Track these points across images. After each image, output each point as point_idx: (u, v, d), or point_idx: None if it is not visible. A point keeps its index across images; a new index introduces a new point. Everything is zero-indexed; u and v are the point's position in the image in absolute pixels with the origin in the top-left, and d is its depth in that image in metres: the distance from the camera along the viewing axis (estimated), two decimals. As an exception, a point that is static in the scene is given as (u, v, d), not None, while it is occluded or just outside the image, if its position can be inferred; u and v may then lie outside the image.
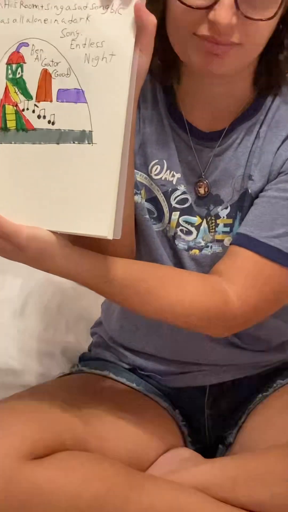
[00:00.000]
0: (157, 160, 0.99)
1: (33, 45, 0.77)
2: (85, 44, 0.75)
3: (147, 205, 0.99)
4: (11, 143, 0.79)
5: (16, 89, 0.79)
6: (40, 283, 1.43)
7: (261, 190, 0.95)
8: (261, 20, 0.82)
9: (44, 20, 0.77)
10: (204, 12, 0.81)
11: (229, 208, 0.97)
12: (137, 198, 0.98)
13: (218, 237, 0.99)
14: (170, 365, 1.09)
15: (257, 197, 0.95)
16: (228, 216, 0.98)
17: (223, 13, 0.79)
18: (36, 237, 0.78)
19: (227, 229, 0.98)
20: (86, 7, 0.75)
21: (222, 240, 0.98)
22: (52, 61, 0.77)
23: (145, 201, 0.99)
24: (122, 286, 0.86)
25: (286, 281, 0.92)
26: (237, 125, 0.96)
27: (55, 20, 0.77)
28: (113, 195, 0.76)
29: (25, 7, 0.78)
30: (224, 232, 0.98)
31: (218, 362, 1.07)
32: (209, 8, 0.80)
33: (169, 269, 0.97)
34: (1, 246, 0.79)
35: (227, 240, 0.98)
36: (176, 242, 1.00)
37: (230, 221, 0.98)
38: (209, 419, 1.11)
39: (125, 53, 0.75)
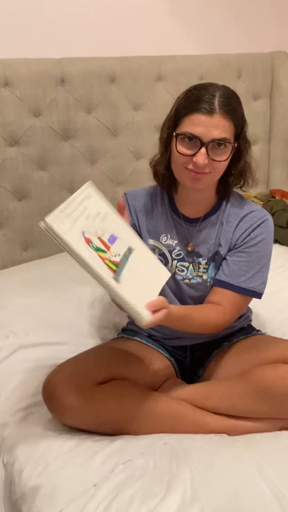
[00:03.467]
0: (164, 234, 1.39)
1: None
2: None
3: (159, 258, 1.38)
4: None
5: None
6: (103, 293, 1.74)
7: (226, 253, 1.35)
8: (220, 161, 1.20)
9: None
10: (191, 157, 1.18)
11: (206, 259, 1.37)
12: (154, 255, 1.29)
13: (199, 274, 1.38)
14: (170, 336, 1.49)
15: (225, 256, 1.34)
16: (205, 263, 1.38)
17: (200, 159, 1.17)
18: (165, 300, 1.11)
19: (205, 270, 1.38)
20: None
21: (201, 276, 1.39)
22: None
23: (159, 255, 1.38)
24: (184, 322, 1.25)
25: (246, 303, 1.37)
26: (208, 216, 1.36)
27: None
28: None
29: None
30: (202, 272, 1.38)
31: (197, 336, 1.45)
32: (193, 155, 1.18)
33: (200, 307, 1.34)
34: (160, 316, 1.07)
35: (204, 276, 1.38)
36: (176, 276, 1.40)
37: (206, 266, 1.38)
38: (189, 362, 1.51)
39: None
